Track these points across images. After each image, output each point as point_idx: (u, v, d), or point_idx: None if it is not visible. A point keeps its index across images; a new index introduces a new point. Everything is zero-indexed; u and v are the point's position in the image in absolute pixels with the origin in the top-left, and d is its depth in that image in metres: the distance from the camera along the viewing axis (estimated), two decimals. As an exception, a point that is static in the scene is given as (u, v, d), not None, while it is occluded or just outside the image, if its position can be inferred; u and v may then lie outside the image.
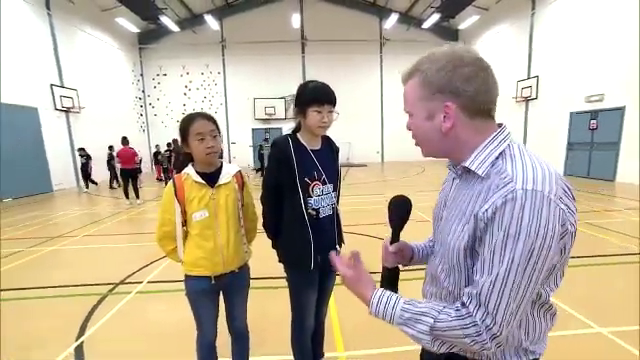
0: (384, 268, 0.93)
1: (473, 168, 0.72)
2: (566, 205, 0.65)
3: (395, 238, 0.93)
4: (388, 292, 0.79)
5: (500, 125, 0.75)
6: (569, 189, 0.69)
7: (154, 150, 14.26)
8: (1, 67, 9.08)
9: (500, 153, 0.71)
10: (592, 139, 10.12)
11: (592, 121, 10.04)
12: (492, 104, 0.73)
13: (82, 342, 2.40)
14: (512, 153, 0.70)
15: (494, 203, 0.64)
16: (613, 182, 9.25)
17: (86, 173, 10.56)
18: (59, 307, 2.99)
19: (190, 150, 1.53)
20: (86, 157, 10.46)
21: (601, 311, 2.61)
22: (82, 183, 11.00)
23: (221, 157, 1.66)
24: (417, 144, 0.81)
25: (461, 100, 0.70)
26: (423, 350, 0.92)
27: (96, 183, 11.22)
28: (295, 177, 1.50)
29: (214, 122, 1.54)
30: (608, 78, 9.41)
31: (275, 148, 1.55)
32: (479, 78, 0.70)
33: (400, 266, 0.97)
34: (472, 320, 0.66)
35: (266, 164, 1.59)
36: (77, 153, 10.89)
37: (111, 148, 10.95)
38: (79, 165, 10.83)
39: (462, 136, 0.73)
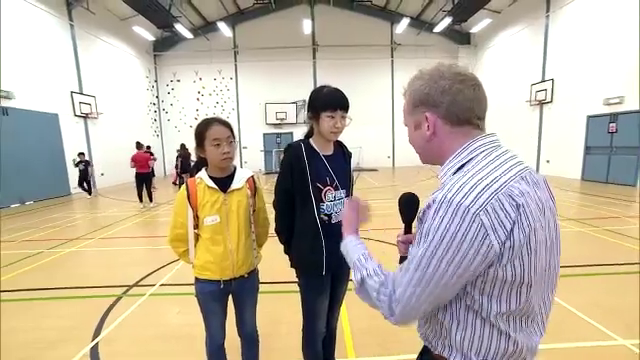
0: (400, 258, 1.07)
1: (440, 177, 0.82)
2: (496, 218, 0.65)
3: (407, 231, 1.06)
4: (360, 241, 0.97)
5: (488, 134, 0.80)
6: (517, 205, 0.67)
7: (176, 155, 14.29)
8: (21, 73, 9.47)
9: (464, 163, 0.76)
10: (611, 143, 9.82)
11: (611, 124, 9.74)
12: (470, 113, 0.78)
13: (97, 342, 2.45)
14: (471, 165, 0.74)
15: (424, 206, 0.74)
16: (635, 187, 8.93)
17: (86, 179, 9.99)
18: (76, 308, 3.07)
19: (205, 155, 1.55)
20: (85, 163, 9.92)
21: (624, 322, 2.51)
22: (77, 189, 10.19)
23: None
24: (416, 152, 0.91)
25: (439, 110, 0.78)
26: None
27: (90, 192, 10.25)
28: (308, 183, 1.50)
29: (230, 128, 1.56)
30: (628, 80, 9.13)
31: (288, 153, 1.56)
32: (454, 89, 0.76)
33: None
34: (385, 293, 0.78)
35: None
36: (76, 159, 9.90)
37: (82, 155, 10.01)
38: (75, 171, 10.09)
39: (444, 143, 0.81)
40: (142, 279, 3.64)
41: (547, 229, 0.75)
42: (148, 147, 12.25)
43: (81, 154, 10.02)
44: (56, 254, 4.65)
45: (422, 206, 0.78)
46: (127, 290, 3.38)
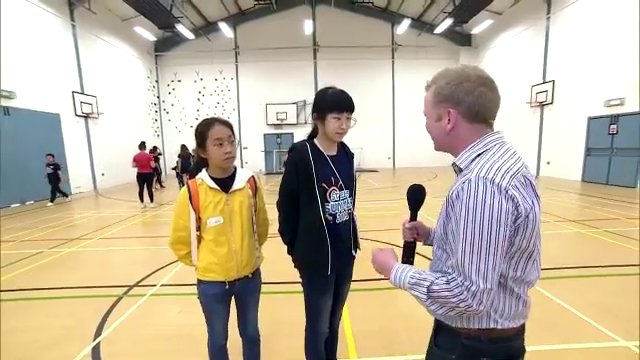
0: (404, 243, 1.16)
1: (458, 163, 0.93)
2: (519, 192, 0.81)
3: (413, 218, 1.16)
4: (404, 265, 1.00)
5: (497, 132, 0.93)
6: (531, 184, 0.86)
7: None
8: (23, 73, 9.49)
9: (481, 152, 0.89)
10: (612, 144, 9.82)
11: (612, 126, 9.75)
12: (488, 113, 0.91)
13: (99, 342, 2.46)
14: (489, 154, 0.87)
15: (457, 187, 0.86)
16: (635, 189, 8.93)
17: (55, 184, 8.91)
18: (77, 308, 3.07)
19: (207, 155, 1.54)
20: (54, 166, 8.75)
21: (626, 324, 2.51)
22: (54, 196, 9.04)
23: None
24: (432, 139, 1.03)
25: (461, 108, 0.90)
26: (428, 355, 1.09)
27: (67, 195, 9.54)
28: (314, 183, 1.51)
29: (231, 128, 1.56)
30: (628, 82, 9.13)
31: (294, 154, 1.56)
32: (477, 92, 0.88)
33: (420, 244, 1.19)
34: (456, 283, 0.83)
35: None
36: (47, 162, 8.73)
37: (50, 157, 8.82)
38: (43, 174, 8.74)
39: (461, 136, 0.93)
40: (143, 279, 3.64)
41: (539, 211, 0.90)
42: (155, 148, 12.45)
43: (49, 155, 8.82)
44: (56, 254, 4.65)
45: (449, 193, 0.89)
46: (128, 290, 3.38)
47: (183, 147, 10.97)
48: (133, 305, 3.03)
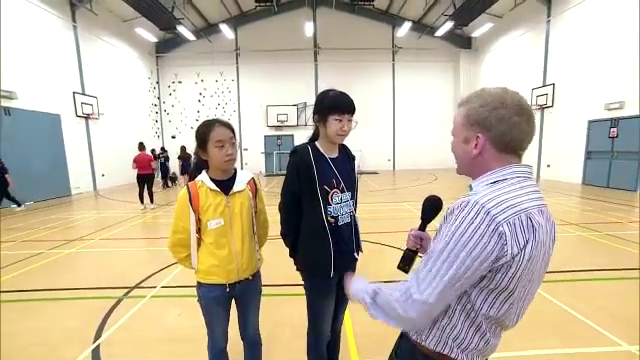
0: (406, 249, 1.16)
1: (473, 186, 0.89)
2: (512, 231, 0.75)
3: (421, 228, 1.15)
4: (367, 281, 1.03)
5: (525, 165, 0.87)
6: (534, 227, 0.78)
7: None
8: (24, 73, 9.49)
9: (497, 181, 0.84)
10: (612, 147, 9.83)
11: (612, 129, 9.75)
12: (519, 145, 0.85)
13: (99, 344, 2.44)
14: (506, 184, 0.82)
15: (454, 204, 0.82)
16: (635, 193, 8.92)
17: (3, 188, 7.95)
18: (77, 309, 3.06)
19: (207, 157, 1.53)
20: (0, 170, 7.81)
21: (629, 328, 2.50)
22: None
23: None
24: (456, 162, 0.98)
25: (491, 135, 0.84)
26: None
27: (19, 204, 8.38)
28: (316, 185, 1.50)
29: (232, 130, 1.55)
30: (628, 85, 9.15)
31: (295, 156, 1.55)
32: (512, 121, 0.82)
33: (421, 255, 1.18)
34: (404, 287, 0.85)
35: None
36: None
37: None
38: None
39: (486, 163, 0.87)
40: (143, 281, 3.63)
41: (543, 259, 0.84)
42: (163, 149, 12.67)
43: None
44: (56, 255, 4.63)
45: (449, 205, 0.86)
46: (128, 292, 3.36)
47: (183, 148, 11.00)
48: (133, 307, 3.02)
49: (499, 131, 0.83)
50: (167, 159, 13.76)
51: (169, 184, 13.34)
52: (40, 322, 2.82)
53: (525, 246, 0.77)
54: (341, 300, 1.73)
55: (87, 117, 11.96)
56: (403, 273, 1.11)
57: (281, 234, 1.68)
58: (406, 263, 1.14)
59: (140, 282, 3.59)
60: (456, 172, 1.00)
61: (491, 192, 0.80)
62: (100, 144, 12.69)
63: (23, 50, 9.39)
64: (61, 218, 7.27)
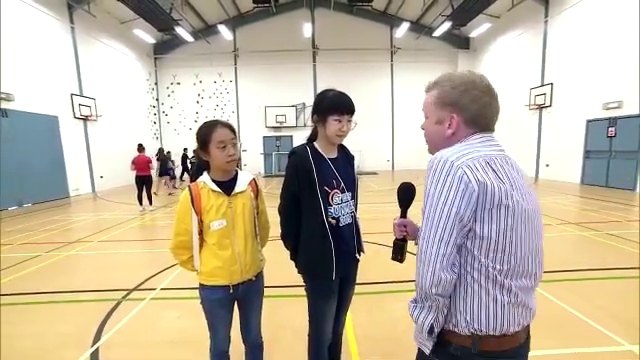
0: (394, 240, 1.19)
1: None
2: (473, 170, 0.81)
3: (402, 215, 1.18)
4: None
5: (490, 134, 0.94)
6: (492, 169, 0.84)
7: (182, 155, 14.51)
8: (21, 75, 9.45)
9: (462, 143, 0.90)
10: (610, 147, 9.85)
11: (610, 129, 9.78)
12: (489, 121, 0.92)
13: (98, 348, 2.42)
14: (467, 141, 0.90)
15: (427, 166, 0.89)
16: (634, 192, 8.94)
17: None
18: (75, 312, 3.03)
19: (209, 158, 1.52)
20: None
21: (629, 327, 2.49)
22: None
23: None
24: (426, 142, 1.03)
25: (465, 115, 0.90)
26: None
27: None
28: (316, 186, 1.49)
29: (233, 130, 1.54)
30: (627, 84, 9.18)
31: (294, 158, 1.54)
32: (482, 101, 0.89)
33: (412, 243, 1.20)
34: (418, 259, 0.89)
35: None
36: None
37: None
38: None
39: (459, 138, 0.92)
40: (142, 283, 3.60)
41: (527, 202, 0.87)
42: (168, 152, 12.84)
43: None
44: (54, 257, 4.60)
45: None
46: (127, 294, 3.34)
47: (161, 150, 11.08)
48: (132, 310, 2.99)
49: (472, 111, 0.89)
50: (172, 161, 13.89)
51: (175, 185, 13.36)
52: (38, 325, 2.79)
53: (487, 184, 0.80)
54: (342, 302, 1.72)
55: (85, 119, 11.92)
56: (409, 255, 1.15)
57: (281, 236, 1.66)
58: (398, 253, 1.18)
59: (139, 284, 3.57)
60: (428, 152, 1.02)
61: (453, 148, 0.87)
62: (98, 146, 12.64)
63: (20, 52, 9.34)
64: (59, 220, 7.23)
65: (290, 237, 1.62)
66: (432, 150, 1.00)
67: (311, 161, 1.50)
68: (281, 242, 1.70)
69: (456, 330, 0.90)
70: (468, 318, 0.88)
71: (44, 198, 9.84)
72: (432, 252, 0.84)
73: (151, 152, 11.27)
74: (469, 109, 0.88)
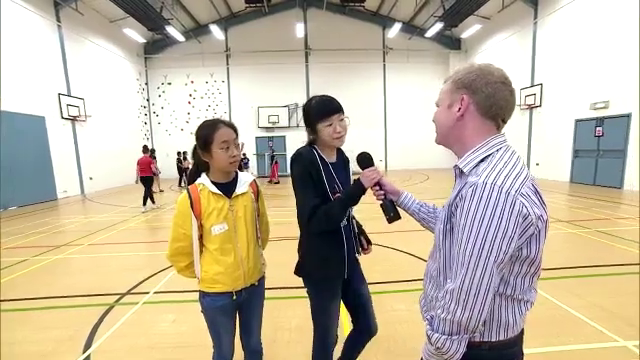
0: (380, 204, 1.33)
1: (461, 166, 0.89)
2: (529, 200, 0.78)
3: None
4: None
5: (502, 134, 0.91)
6: (537, 192, 0.83)
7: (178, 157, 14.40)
8: (1, 75, 9.19)
9: (486, 156, 0.86)
10: (598, 146, 10.07)
11: (597, 128, 10.00)
12: (501, 111, 0.88)
13: (89, 355, 2.35)
14: (496, 158, 0.84)
15: (461, 193, 0.83)
16: (621, 189, 9.16)
17: None
18: (66, 317, 2.94)
19: (211, 159, 1.45)
20: None
21: (624, 323, 2.53)
22: None
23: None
24: (435, 131, 1.00)
25: (476, 97, 0.87)
26: None
27: None
28: (326, 189, 1.45)
29: (236, 130, 1.48)
30: (613, 85, 9.40)
31: (302, 158, 1.46)
32: (496, 86, 0.86)
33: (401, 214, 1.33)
34: (445, 290, 0.84)
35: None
36: None
37: None
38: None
39: (467, 127, 0.90)
40: (135, 286, 3.52)
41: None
42: (184, 152, 13.20)
43: None
44: (43, 261, 4.48)
45: (450, 200, 0.89)
46: (120, 298, 3.26)
47: (145, 148, 10.92)
48: (125, 314, 2.92)
49: (484, 94, 0.86)
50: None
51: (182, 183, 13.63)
52: (26, 332, 2.70)
53: (541, 213, 0.80)
54: (364, 296, 1.71)
55: (73, 119, 11.66)
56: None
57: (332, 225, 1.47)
58: (389, 212, 1.23)
59: (132, 288, 3.49)
60: (435, 141, 1.01)
61: (492, 169, 0.80)
62: (87, 147, 12.39)
63: (5, 51, 9.08)
64: (47, 223, 7.05)
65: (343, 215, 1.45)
66: (439, 139, 0.98)
67: (319, 162, 1.47)
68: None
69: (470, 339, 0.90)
70: (486, 332, 0.88)
71: (31, 200, 9.60)
72: (480, 297, 0.78)
73: (138, 152, 10.97)
74: (481, 91, 0.86)
